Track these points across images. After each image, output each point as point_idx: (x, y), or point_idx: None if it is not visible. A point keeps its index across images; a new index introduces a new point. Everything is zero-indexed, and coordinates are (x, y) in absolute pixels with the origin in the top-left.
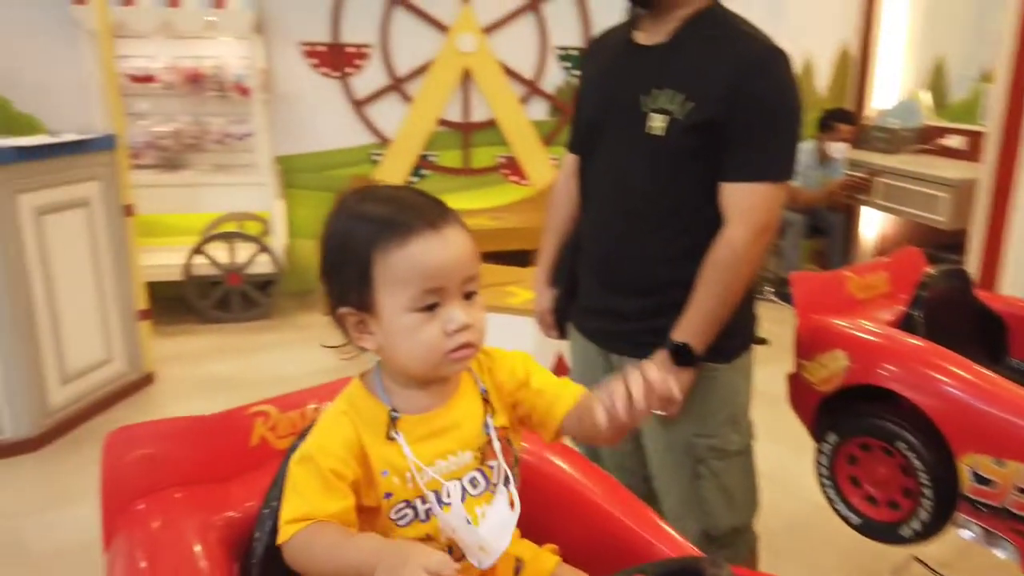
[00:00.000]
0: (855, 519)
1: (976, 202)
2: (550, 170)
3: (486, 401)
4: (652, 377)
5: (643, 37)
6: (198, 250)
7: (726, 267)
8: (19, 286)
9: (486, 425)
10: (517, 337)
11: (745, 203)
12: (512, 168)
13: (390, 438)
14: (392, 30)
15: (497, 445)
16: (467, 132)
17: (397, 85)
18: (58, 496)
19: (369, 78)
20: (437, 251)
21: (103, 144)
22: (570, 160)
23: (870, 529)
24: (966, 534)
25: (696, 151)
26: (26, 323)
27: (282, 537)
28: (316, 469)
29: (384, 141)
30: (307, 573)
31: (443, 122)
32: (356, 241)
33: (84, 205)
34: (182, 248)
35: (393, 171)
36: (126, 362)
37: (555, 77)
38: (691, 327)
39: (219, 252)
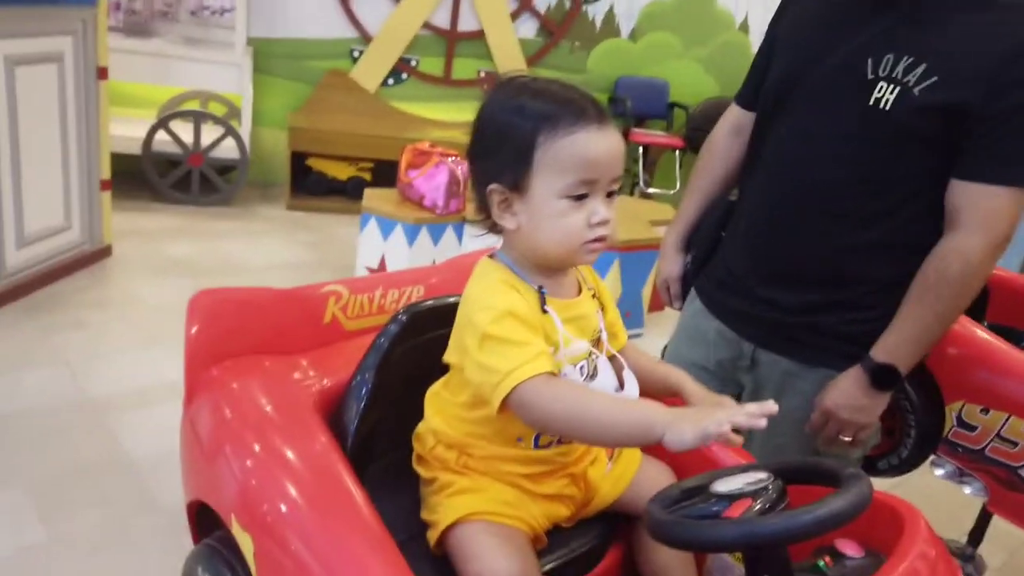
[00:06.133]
0: None
1: None
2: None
3: (596, 299)
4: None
5: None
6: (161, 125)
7: (956, 280)
8: None
9: (600, 321)
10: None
11: (990, 208)
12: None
13: (544, 311)
14: None
15: (605, 337)
16: (452, 40)
17: None
18: (19, 359)
19: None
20: (600, 144)
21: None
22: (738, 114)
23: None
24: (939, 471)
25: (926, 135)
26: None
27: (514, 380)
28: (519, 320)
29: (366, 37)
30: (540, 415)
31: (428, 26)
32: (521, 122)
33: (57, 60)
34: (141, 121)
35: (371, 70)
36: (84, 232)
37: None
38: (901, 346)
39: (183, 131)
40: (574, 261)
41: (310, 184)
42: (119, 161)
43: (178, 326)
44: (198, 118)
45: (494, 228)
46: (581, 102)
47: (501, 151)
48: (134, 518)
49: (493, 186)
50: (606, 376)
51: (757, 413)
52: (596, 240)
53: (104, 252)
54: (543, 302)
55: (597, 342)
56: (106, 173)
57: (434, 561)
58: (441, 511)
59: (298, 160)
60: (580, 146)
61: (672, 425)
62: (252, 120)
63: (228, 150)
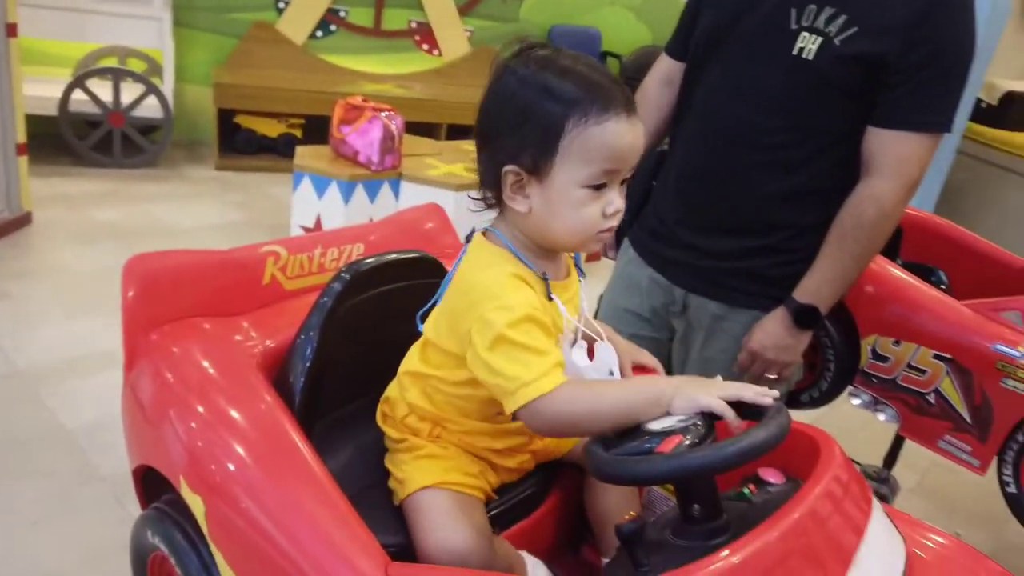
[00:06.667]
0: None
1: None
2: (463, 43)
3: (580, 272)
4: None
5: None
6: (78, 84)
7: (871, 224)
8: None
9: (583, 296)
10: None
11: (901, 154)
12: (424, 36)
13: (551, 299)
14: None
15: (585, 305)
16: None
17: None
18: None
19: None
20: (628, 136)
21: None
22: (668, 66)
23: None
24: (856, 401)
25: (847, 84)
26: None
27: (534, 393)
28: (538, 325)
29: None
30: (562, 422)
31: None
32: (550, 105)
33: None
34: (56, 80)
35: (298, 22)
36: (1, 199)
37: None
38: (823, 287)
39: (101, 90)
40: (582, 249)
41: (239, 142)
42: (35, 123)
43: (109, 293)
44: (117, 76)
45: (495, 206)
46: (610, 88)
47: (523, 131)
48: (75, 489)
49: (510, 167)
50: (601, 352)
51: (764, 394)
52: (607, 230)
53: (24, 220)
54: (549, 291)
55: (579, 316)
56: (21, 136)
57: (385, 511)
58: (407, 470)
59: (225, 117)
60: (610, 137)
61: (680, 391)
62: (175, 76)
63: (150, 109)
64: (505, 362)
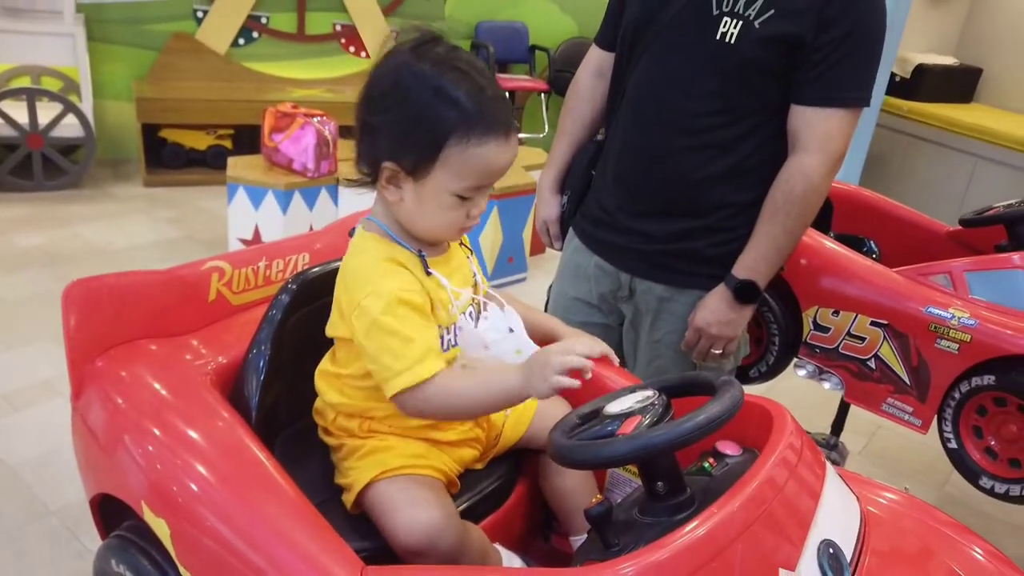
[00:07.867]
0: None
1: None
2: (391, 43)
3: (466, 247)
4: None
5: None
6: None
7: (801, 198)
8: None
9: (472, 266)
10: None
11: (824, 129)
12: (350, 38)
13: (429, 273)
14: None
15: (479, 278)
16: None
17: None
18: None
19: None
20: (503, 158)
21: None
22: (598, 57)
23: None
24: (801, 372)
25: (769, 65)
26: None
27: (413, 379)
28: (410, 307)
29: None
30: (437, 409)
31: None
32: (439, 111)
33: None
34: None
35: (219, 30)
36: None
37: None
38: (759, 262)
39: (16, 111)
40: (443, 240)
41: (166, 157)
42: None
43: (42, 321)
44: (31, 95)
45: (371, 183)
46: (496, 107)
47: (410, 135)
48: (25, 526)
49: (389, 163)
50: (494, 314)
51: (585, 353)
52: (468, 227)
53: None
54: (426, 266)
55: (475, 286)
56: None
57: (352, 520)
58: (354, 474)
59: (150, 132)
60: (486, 159)
61: (528, 386)
62: (93, 93)
63: (70, 128)
64: (378, 350)
